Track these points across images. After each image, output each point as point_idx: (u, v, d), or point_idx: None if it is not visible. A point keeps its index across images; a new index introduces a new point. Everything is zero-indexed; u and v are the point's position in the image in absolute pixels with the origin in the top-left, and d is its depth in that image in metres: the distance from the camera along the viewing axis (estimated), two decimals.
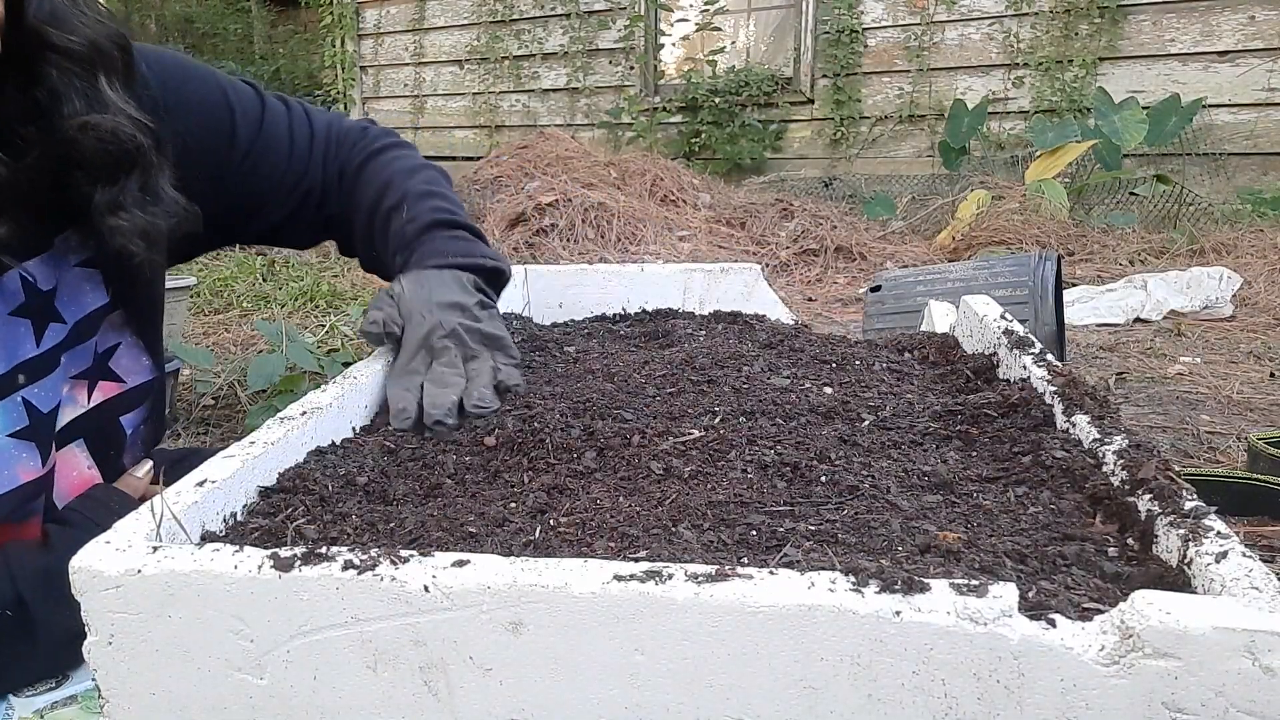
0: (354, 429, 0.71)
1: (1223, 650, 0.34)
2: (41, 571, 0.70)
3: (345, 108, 6.61)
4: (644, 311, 1.13)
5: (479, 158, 5.13)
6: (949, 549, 0.46)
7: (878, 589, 0.37)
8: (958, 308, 0.99)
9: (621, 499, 0.55)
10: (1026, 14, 4.59)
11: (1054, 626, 0.36)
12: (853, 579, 0.38)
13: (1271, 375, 2.12)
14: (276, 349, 1.88)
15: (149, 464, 0.84)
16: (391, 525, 0.52)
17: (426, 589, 0.40)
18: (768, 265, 3.66)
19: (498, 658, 0.40)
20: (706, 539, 0.49)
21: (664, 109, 5.53)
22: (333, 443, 0.67)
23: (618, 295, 1.16)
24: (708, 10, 5.34)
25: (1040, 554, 0.46)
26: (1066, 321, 2.28)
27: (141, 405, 0.86)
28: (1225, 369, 2.18)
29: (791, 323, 1.07)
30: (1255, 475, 1.36)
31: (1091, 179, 4.16)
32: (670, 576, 0.39)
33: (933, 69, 4.85)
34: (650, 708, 0.40)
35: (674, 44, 5.76)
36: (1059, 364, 0.72)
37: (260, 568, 0.41)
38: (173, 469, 0.80)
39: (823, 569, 0.40)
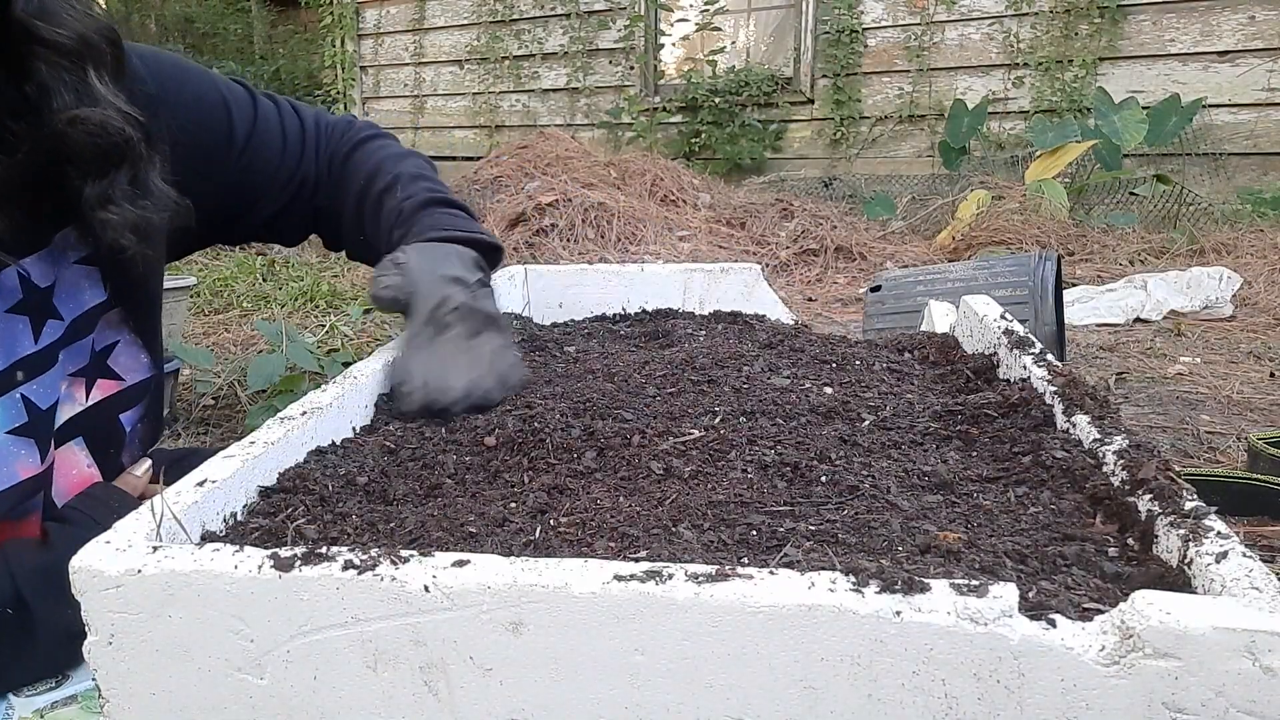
0: (354, 429, 0.71)
1: (1223, 650, 0.34)
2: (42, 570, 0.70)
3: (345, 108, 6.61)
4: (644, 311, 1.13)
5: (479, 158, 5.13)
6: (949, 549, 0.46)
7: (878, 589, 0.37)
8: (958, 308, 0.99)
9: (622, 499, 0.55)
10: (1026, 14, 4.59)
11: (1054, 626, 0.36)
12: (853, 579, 0.38)
13: (1271, 375, 2.12)
14: (276, 349, 1.88)
15: (148, 463, 0.84)
16: (392, 525, 0.52)
17: (427, 589, 0.40)
18: (768, 265, 3.65)
19: (498, 658, 0.40)
20: (707, 539, 0.49)
21: (664, 109, 5.53)
22: (333, 443, 0.67)
23: (618, 295, 1.16)
24: (708, 10, 5.34)
25: (1040, 554, 0.46)
26: (1066, 321, 2.28)
27: (140, 403, 0.86)
28: (1225, 369, 2.18)
29: (791, 323, 1.07)
30: (1255, 475, 1.36)
31: (1091, 179, 4.16)
32: (670, 576, 0.39)
33: (933, 69, 4.85)
34: (650, 708, 0.40)
35: (674, 44, 5.76)
36: (1059, 364, 0.72)
37: (260, 568, 0.41)
38: (172, 469, 0.80)
39: (823, 569, 0.40)
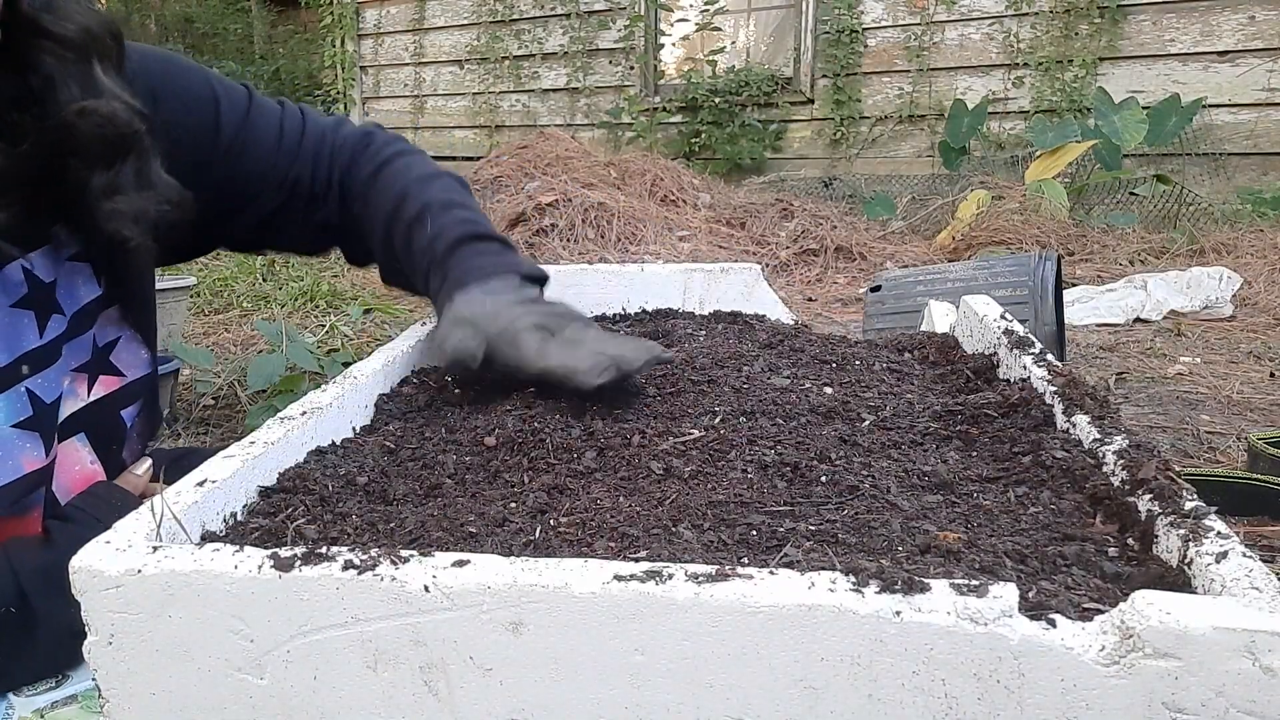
0: (354, 429, 0.71)
1: (1223, 650, 0.34)
2: (44, 568, 0.70)
3: (345, 108, 6.61)
4: (644, 311, 1.13)
5: (479, 158, 5.13)
6: (949, 549, 0.46)
7: (878, 589, 0.37)
8: (958, 308, 0.99)
9: (621, 499, 0.55)
10: (1026, 14, 4.60)
11: (1054, 626, 0.36)
12: (853, 579, 0.38)
13: (1271, 375, 2.12)
14: (276, 349, 1.89)
15: (148, 461, 0.84)
16: (391, 525, 0.52)
17: (426, 589, 0.40)
18: (768, 265, 3.66)
19: (498, 658, 0.40)
20: (707, 539, 0.49)
21: (664, 109, 5.53)
22: (333, 443, 0.67)
23: (618, 295, 1.15)
24: (708, 10, 5.34)
25: (1040, 554, 0.46)
26: (1066, 321, 2.28)
27: (140, 399, 0.87)
28: (1225, 369, 2.18)
29: (791, 323, 1.07)
30: (1255, 475, 1.37)
31: (1091, 179, 4.16)
32: (670, 576, 0.39)
33: (933, 69, 4.86)
34: (650, 708, 0.40)
35: (674, 44, 5.77)
36: (1059, 364, 0.72)
37: (260, 568, 0.41)
38: (172, 468, 0.80)
39: (823, 569, 0.40)
